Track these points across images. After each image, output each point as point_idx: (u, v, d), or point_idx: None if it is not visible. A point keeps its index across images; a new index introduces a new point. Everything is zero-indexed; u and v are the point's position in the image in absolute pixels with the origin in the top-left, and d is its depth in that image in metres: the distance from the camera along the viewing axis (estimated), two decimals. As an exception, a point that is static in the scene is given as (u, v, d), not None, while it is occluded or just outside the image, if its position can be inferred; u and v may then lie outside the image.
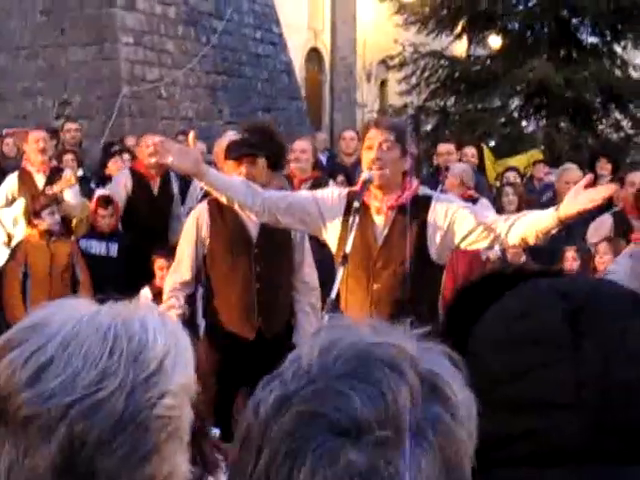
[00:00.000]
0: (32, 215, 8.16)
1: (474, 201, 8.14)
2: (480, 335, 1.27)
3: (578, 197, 4.53)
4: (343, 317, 4.85)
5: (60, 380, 1.12)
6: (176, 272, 6.18)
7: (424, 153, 15.00)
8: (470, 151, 10.11)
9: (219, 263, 6.05)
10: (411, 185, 5.06)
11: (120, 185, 9.27)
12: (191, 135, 5.19)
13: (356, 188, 5.08)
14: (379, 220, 5.02)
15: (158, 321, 1.21)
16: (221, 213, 6.02)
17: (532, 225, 4.73)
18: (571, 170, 9.31)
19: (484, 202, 8.36)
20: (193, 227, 6.09)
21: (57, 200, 8.32)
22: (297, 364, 1.00)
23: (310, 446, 0.94)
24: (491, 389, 1.19)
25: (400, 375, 0.96)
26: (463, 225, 4.90)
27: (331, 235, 5.06)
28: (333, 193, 5.21)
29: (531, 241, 4.78)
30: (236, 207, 5.13)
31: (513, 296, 1.28)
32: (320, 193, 5.28)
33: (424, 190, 5.22)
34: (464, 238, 4.93)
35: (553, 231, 4.76)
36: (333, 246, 5.07)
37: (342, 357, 0.98)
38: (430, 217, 4.96)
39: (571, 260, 7.58)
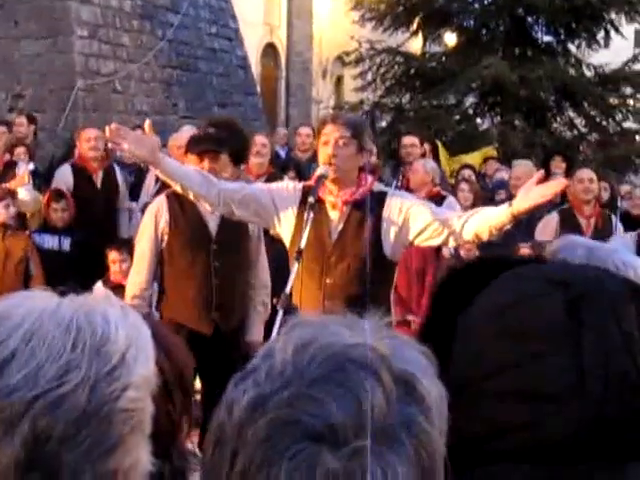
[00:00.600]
0: None
1: (442, 198, 8.18)
2: (471, 325, 1.25)
3: (530, 193, 4.61)
4: (298, 313, 4.87)
5: (23, 374, 1.10)
6: (137, 273, 6.15)
7: (381, 150, 15.03)
8: (409, 140, 10.11)
9: (177, 258, 6.03)
10: (366, 181, 5.08)
11: (61, 182, 9.18)
12: (147, 123, 5.14)
13: (311, 182, 5.10)
14: (334, 215, 5.03)
15: (119, 313, 1.20)
16: (181, 208, 6.00)
17: (486, 221, 4.77)
18: (524, 166, 9.38)
19: (452, 200, 8.38)
20: (151, 222, 6.05)
21: (12, 194, 8.23)
22: (270, 363, 0.99)
23: (286, 454, 0.92)
24: (484, 380, 1.17)
25: (376, 378, 0.95)
26: (418, 220, 4.93)
27: (285, 229, 5.07)
28: (288, 186, 5.24)
29: (485, 237, 4.82)
30: (191, 196, 5.09)
31: (503, 284, 1.27)
32: (275, 185, 5.30)
33: (379, 186, 5.26)
34: (419, 234, 4.95)
35: (507, 227, 4.82)
36: (287, 240, 5.08)
37: (317, 358, 0.97)
38: (385, 213, 4.99)
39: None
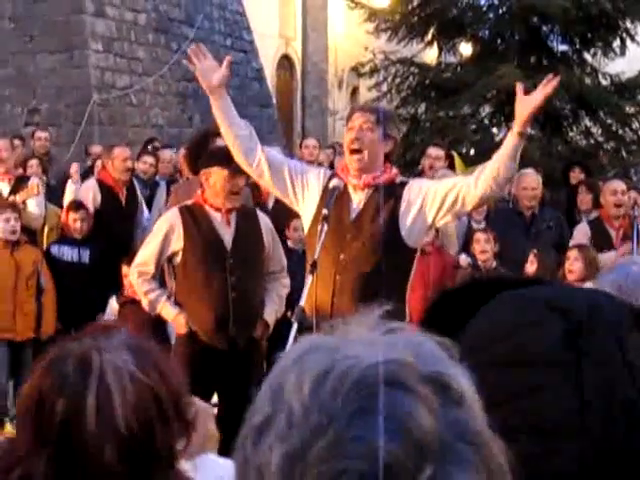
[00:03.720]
0: None
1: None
2: (462, 354, 1.12)
3: (522, 104, 4.78)
4: (313, 325, 4.84)
5: None
6: (138, 261, 6.14)
7: (395, 161, 14.98)
8: (435, 152, 10.00)
9: (192, 273, 5.99)
10: (390, 170, 5.17)
11: (87, 199, 9.16)
12: (227, 59, 5.18)
13: (338, 171, 5.24)
14: (355, 196, 5.13)
15: None
16: (195, 222, 5.96)
17: (498, 158, 4.86)
18: (527, 175, 9.33)
19: None
20: (162, 233, 5.98)
21: (15, 207, 8.19)
22: (287, 408, 0.87)
23: None
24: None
25: (412, 393, 0.86)
26: (436, 199, 5.00)
27: (307, 208, 5.19)
28: (319, 173, 5.31)
29: (503, 174, 4.84)
30: (230, 143, 5.14)
31: (497, 309, 1.19)
32: (308, 172, 5.34)
33: (402, 178, 5.29)
34: (437, 212, 5.02)
35: (519, 151, 4.85)
36: (306, 220, 5.21)
37: (340, 391, 0.86)
38: (405, 195, 5.07)
39: (529, 264, 7.57)
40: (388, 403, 0.85)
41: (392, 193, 5.06)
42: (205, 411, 2.66)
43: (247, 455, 0.90)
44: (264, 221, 6.29)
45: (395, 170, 5.26)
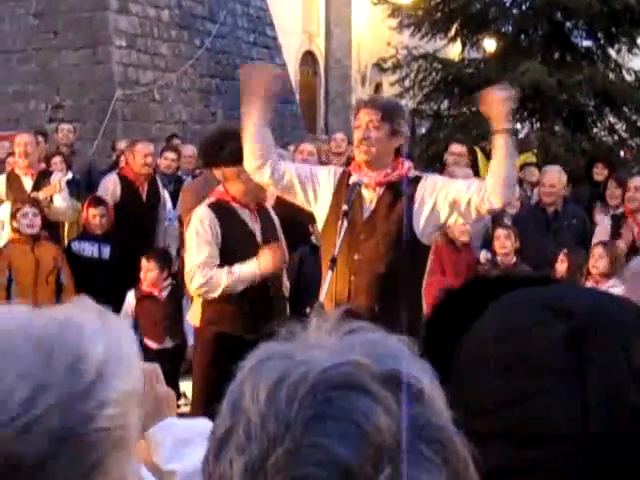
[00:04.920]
0: (11, 218, 8.09)
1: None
2: (466, 356, 1.13)
3: (487, 105, 4.85)
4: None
5: None
6: (194, 258, 5.85)
7: (418, 157, 14.95)
8: (458, 149, 9.99)
9: None
10: (403, 165, 5.13)
11: (108, 191, 9.20)
12: (276, 70, 5.25)
13: (351, 168, 5.22)
14: (367, 195, 5.10)
15: (97, 324, 1.12)
16: (227, 219, 5.90)
17: (495, 162, 4.87)
18: (547, 172, 9.31)
19: None
20: (206, 231, 5.84)
21: (37, 202, 8.22)
22: (245, 419, 0.87)
23: None
24: (478, 418, 1.06)
25: (367, 395, 0.85)
26: (448, 200, 4.98)
27: (320, 208, 5.18)
28: (330, 171, 5.31)
29: (506, 174, 4.85)
30: (247, 148, 5.18)
31: (501, 310, 1.16)
32: (318, 171, 5.36)
33: (415, 172, 5.27)
34: (449, 214, 5.01)
35: (511, 146, 4.86)
36: (320, 220, 5.20)
37: (295, 399, 0.85)
38: (418, 195, 5.04)
39: (559, 262, 7.55)
40: (343, 406, 0.84)
41: (406, 190, 5.03)
42: (152, 373, 2.54)
43: (210, 469, 0.90)
44: (275, 217, 6.31)
45: (408, 164, 5.22)
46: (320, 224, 5.23)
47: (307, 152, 8.61)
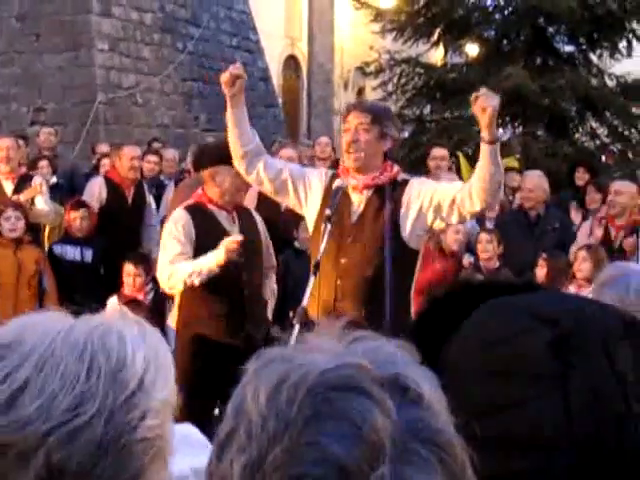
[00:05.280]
0: None
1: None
2: (451, 363, 1.13)
3: (480, 112, 4.77)
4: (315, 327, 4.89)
5: (36, 406, 1.04)
6: (163, 256, 5.91)
7: (400, 161, 14.97)
8: (439, 152, 9.98)
9: None
10: (392, 169, 5.13)
11: (94, 194, 9.19)
12: (238, 67, 5.15)
13: (339, 171, 5.20)
14: (355, 198, 5.10)
15: (136, 333, 1.14)
16: (203, 221, 5.91)
17: (480, 170, 4.83)
18: (527, 176, 9.36)
19: None
20: (180, 231, 5.86)
21: (18, 206, 8.16)
22: (247, 420, 0.88)
23: None
24: (464, 424, 1.03)
25: (366, 396, 0.86)
26: (433, 202, 4.97)
27: (310, 210, 5.19)
28: (321, 174, 5.31)
29: (490, 181, 4.81)
30: (234, 150, 5.18)
31: (485, 317, 1.15)
32: (309, 173, 5.35)
33: (403, 176, 5.26)
34: (434, 217, 5.00)
35: (497, 155, 4.80)
36: (310, 221, 5.21)
37: (295, 399, 0.87)
38: (405, 197, 5.04)
39: (539, 267, 7.56)
40: (341, 407, 0.86)
41: (392, 195, 5.04)
42: None
43: (212, 470, 0.91)
44: (258, 218, 6.31)
45: (396, 168, 5.21)
46: (310, 227, 5.23)
47: (286, 157, 8.57)
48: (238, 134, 5.14)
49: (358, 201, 5.08)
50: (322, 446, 0.84)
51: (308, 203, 5.19)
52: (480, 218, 9.33)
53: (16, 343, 1.09)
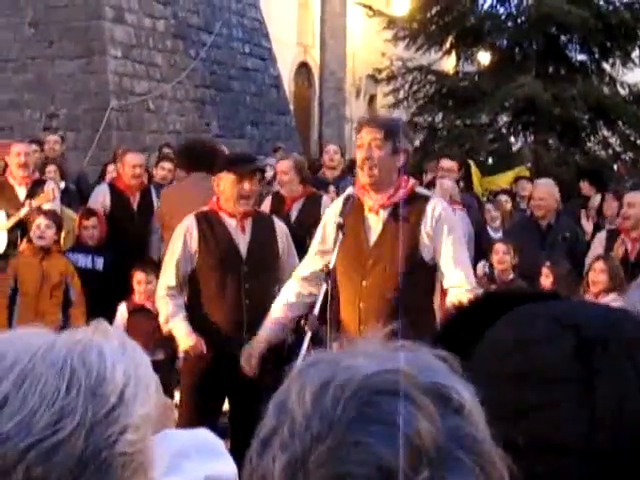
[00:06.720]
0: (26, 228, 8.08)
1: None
2: (475, 367, 1.11)
3: None
4: (325, 335, 4.86)
5: (15, 422, 1.05)
6: (162, 277, 6.13)
7: (412, 168, 14.96)
8: (447, 164, 9.93)
9: (206, 280, 5.97)
10: (407, 183, 5.12)
11: (98, 202, 9.20)
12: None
13: (357, 191, 5.20)
14: (372, 219, 5.10)
15: (116, 348, 1.14)
16: (210, 229, 5.95)
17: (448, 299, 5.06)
18: (537, 185, 9.30)
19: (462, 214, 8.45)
20: (180, 240, 5.98)
21: (49, 214, 8.19)
22: (290, 418, 0.90)
23: None
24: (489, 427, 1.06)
25: (410, 402, 0.87)
26: (437, 251, 5.07)
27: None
28: (331, 216, 5.31)
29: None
30: None
31: (510, 324, 1.17)
32: (326, 223, 5.36)
33: (421, 190, 5.24)
34: (429, 253, 5.08)
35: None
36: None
37: (341, 399, 0.88)
38: (424, 217, 5.03)
39: (544, 277, 7.51)
40: (386, 410, 0.87)
41: (411, 213, 5.03)
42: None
43: (253, 467, 0.92)
44: (280, 227, 6.27)
45: (412, 181, 5.21)
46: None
47: (280, 171, 8.55)
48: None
49: (375, 222, 5.08)
50: (367, 446, 0.85)
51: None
52: (483, 226, 9.38)
53: None
